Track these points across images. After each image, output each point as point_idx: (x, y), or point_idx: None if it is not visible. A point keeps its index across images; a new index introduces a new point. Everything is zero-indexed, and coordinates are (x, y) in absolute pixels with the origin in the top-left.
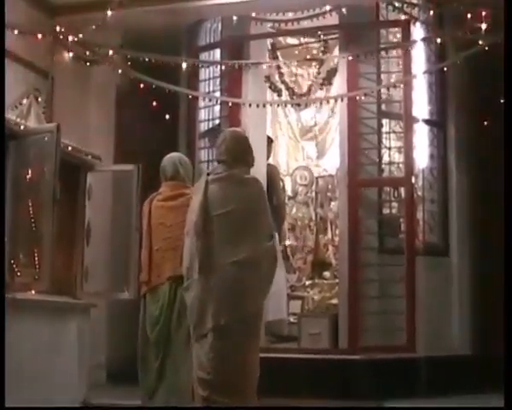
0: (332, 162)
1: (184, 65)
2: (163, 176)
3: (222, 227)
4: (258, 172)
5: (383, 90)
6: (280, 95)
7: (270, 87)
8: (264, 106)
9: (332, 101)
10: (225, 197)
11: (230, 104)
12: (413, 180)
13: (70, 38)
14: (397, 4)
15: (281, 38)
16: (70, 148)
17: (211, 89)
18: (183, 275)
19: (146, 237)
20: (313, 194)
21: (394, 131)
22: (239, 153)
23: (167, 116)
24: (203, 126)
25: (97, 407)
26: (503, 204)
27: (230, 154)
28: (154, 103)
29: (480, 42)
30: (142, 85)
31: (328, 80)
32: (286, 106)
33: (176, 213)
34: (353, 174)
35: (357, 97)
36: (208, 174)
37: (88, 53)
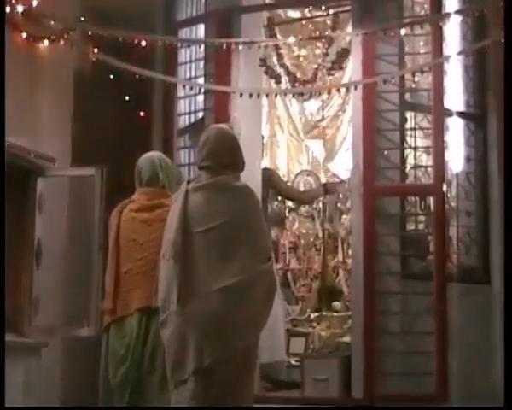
0: (343, 166)
1: (160, 44)
2: (138, 180)
3: (206, 247)
4: (252, 177)
5: (407, 77)
6: (279, 82)
7: (266, 72)
8: (258, 96)
9: (343, 89)
10: (210, 210)
11: (217, 93)
12: (444, 188)
13: (15, 9)
14: None
15: (280, 11)
16: (16, 148)
17: (192, 74)
18: (157, 306)
19: (112, 257)
20: (320, 205)
21: (421, 127)
22: (226, 156)
23: (138, 108)
24: (183, 121)
25: (97, 408)
26: None
27: (215, 157)
28: (122, 92)
29: None
30: (107, 70)
31: (338, 64)
32: (286, 96)
33: (151, 229)
34: (370, 180)
35: (375, 85)
36: (189, 182)
37: (38, 28)
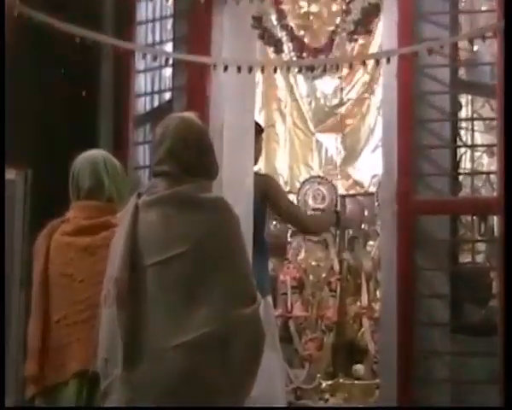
0: (370, 171)
1: None
2: (74, 191)
3: (163, 285)
4: (241, 186)
5: (462, 45)
6: (280, 50)
7: (261, 37)
8: (250, 70)
9: (371, 63)
10: (169, 233)
11: (191, 66)
12: None
13: None
14: None
15: None
16: None
17: (157, 38)
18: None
19: (39, 299)
20: None
21: (481, 117)
22: (191, 157)
23: (79, 86)
24: (143, 104)
25: (99, 408)
26: None
27: (176, 160)
28: (57, 63)
29: None
30: (35, 31)
31: (363, 26)
32: (290, 70)
33: (95, 258)
34: (407, 192)
35: (416, 56)
36: (139, 195)
37: None
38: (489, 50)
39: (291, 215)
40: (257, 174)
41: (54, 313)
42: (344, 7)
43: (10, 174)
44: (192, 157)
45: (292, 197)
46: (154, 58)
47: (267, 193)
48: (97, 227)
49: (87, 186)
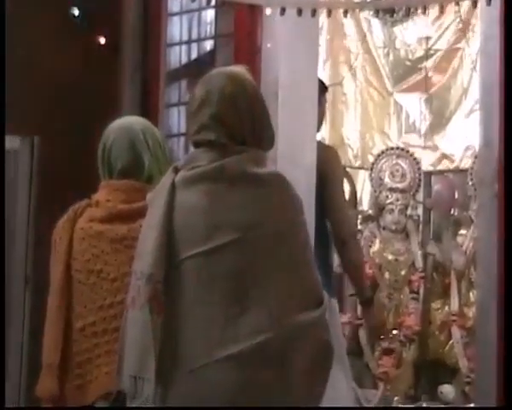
0: (462, 141)
1: None
2: (104, 167)
3: (204, 283)
4: (301, 160)
5: None
6: None
7: None
8: (313, 13)
9: (465, 3)
10: (214, 217)
11: (238, 8)
12: None
13: None
14: None
15: None
16: None
17: None
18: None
19: (60, 302)
20: (419, 211)
21: None
22: (241, 123)
23: (96, 32)
24: (177, 56)
25: (101, 408)
26: None
27: (222, 126)
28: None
29: None
30: None
31: None
32: (362, 13)
33: (130, 253)
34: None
35: None
36: (176, 169)
37: None
38: None
39: (337, 222)
40: (322, 145)
41: (78, 319)
42: None
43: (13, 142)
44: (242, 123)
45: (361, 174)
46: None
47: (326, 171)
48: (135, 213)
49: (123, 163)
